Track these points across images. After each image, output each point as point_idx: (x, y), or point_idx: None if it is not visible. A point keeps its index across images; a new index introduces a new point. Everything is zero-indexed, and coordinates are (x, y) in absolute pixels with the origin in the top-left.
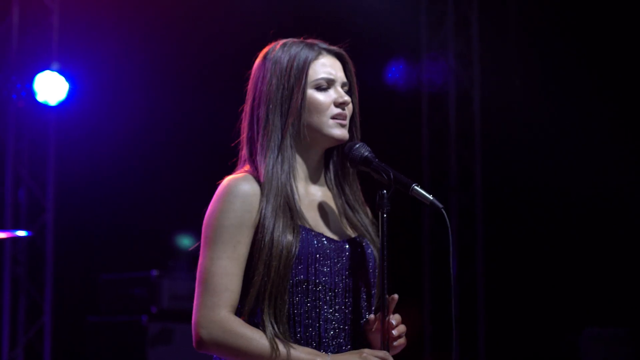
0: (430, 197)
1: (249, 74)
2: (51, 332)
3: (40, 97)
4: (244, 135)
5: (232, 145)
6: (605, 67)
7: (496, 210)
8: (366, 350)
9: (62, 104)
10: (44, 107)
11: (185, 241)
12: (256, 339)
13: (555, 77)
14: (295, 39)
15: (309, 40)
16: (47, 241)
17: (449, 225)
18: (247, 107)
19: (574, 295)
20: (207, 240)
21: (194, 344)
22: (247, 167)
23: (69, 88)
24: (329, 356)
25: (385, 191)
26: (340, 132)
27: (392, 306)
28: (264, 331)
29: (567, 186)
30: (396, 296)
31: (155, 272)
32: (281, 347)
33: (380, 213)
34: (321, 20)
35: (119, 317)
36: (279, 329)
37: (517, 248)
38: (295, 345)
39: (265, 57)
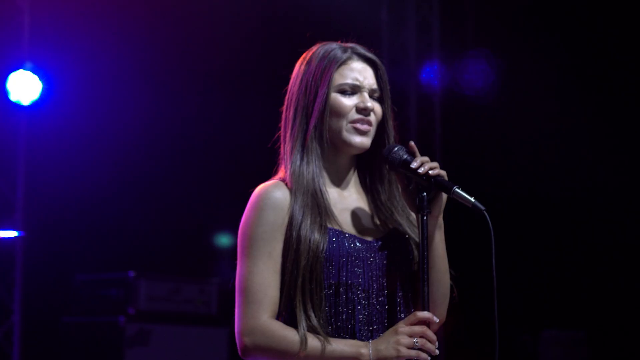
0: (472, 199)
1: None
2: (21, 333)
3: (13, 97)
4: (280, 134)
5: (270, 145)
6: (568, 67)
7: (455, 212)
8: (400, 324)
9: (34, 104)
10: (15, 106)
11: (223, 240)
12: (298, 339)
13: (516, 79)
14: (332, 42)
15: (345, 44)
16: (16, 241)
17: (491, 227)
18: (283, 108)
19: (533, 298)
20: (243, 250)
21: (239, 352)
22: (280, 173)
23: (42, 88)
24: (370, 343)
25: (425, 194)
26: (359, 139)
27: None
28: (298, 327)
29: (525, 189)
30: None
31: (132, 273)
32: (322, 343)
33: (420, 216)
34: (282, 20)
35: (95, 318)
36: (316, 320)
37: (477, 250)
38: (334, 339)
39: (302, 60)
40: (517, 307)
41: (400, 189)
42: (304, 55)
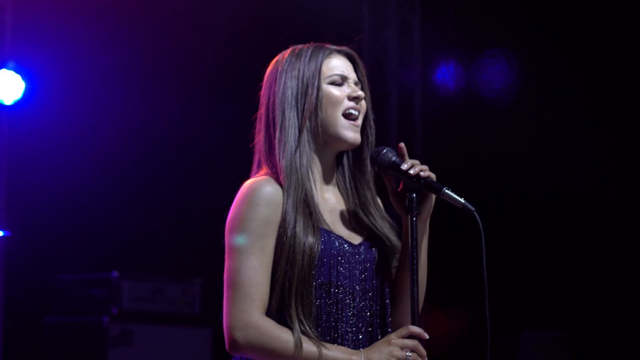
0: (462, 200)
1: (260, 85)
2: (3, 333)
3: None
4: (259, 137)
5: (250, 146)
6: (559, 66)
7: (435, 213)
8: (392, 336)
9: (16, 104)
10: None
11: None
12: (292, 340)
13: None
14: (303, 45)
15: (318, 43)
16: None
17: (481, 228)
18: (261, 111)
19: (513, 298)
20: (235, 243)
21: (227, 347)
22: (264, 171)
23: (25, 87)
24: (362, 352)
25: (414, 195)
26: (352, 135)
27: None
28: (292, 329)
29: (505, 189)
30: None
31: (115, 273)
32: (316, 348)
33: (410, 217)
34: (267, 21)
35: (78, 318)
36: (308, 325)
37: (458, 251)
38: (329, 345)
39: (276, 63)
40: (498, 308)
41: (389, 191)
42: (275, 59)
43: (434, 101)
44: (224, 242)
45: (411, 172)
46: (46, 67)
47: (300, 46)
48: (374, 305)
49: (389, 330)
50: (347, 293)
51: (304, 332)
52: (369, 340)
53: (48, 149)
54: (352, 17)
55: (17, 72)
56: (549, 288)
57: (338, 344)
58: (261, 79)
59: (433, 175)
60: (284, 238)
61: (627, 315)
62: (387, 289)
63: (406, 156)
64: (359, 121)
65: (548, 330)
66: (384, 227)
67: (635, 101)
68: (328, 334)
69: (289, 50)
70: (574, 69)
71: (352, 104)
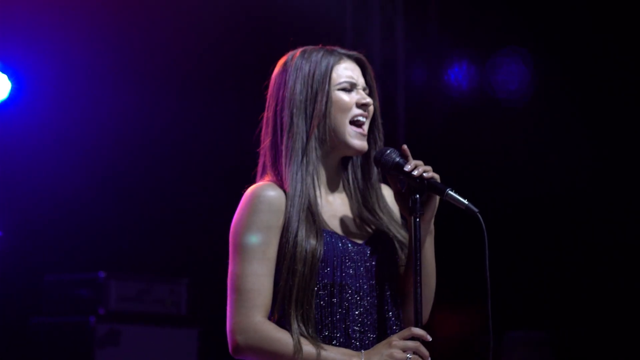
0: (466, 201)
1: (267, 83)
2: None
3: None
4: (266, 142)
5: (257, 150)
6: (548, 70)
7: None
8: (394, 337)
9: (3, 104)
10: None
11: None
12: (292, 343)
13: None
14: (313, 47)
15: (328, 47)
16: None
17: (484, 229)
18: (269, 114)
19: (496, 299)
20: (237, 247)
21: (230, 350)
22: (267, 177)
23: (12, 87)
24: (363, 353)
25: (418, 196)
26: (359, 143)
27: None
28: (291, 332)
29: (487, 189)
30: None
31: (102, 274)
32: (316, 350)
33: (413, 218)
34: (247, 21)
35: (65, 318)
36: (307, 331)
37: (440, 252)
38: (328, 346)
39: (285, 65)
40: (481, 309)
41: (393, 191)
42: (284, 60)
43: (417, 101)
44: (223, 245)
45: (414, 173)
46: (33, 67)
47: (309, 48)
48: (381, 302)
49: (399, 327)
50: (354, 292)
51: (302, 333)
52: (378, 338)
53: (35, 149)
54: (335, 17)
55: (3, 71)
56: (533, 288)
57: (345, 343)
58: (250, 80)
59: (437, 176)
60: (287, 246)
61: (611, 316)
62: (395, 286)
63: (410, 157)
64: (366, 127)
65: (532, 331)
66: (391, 224)
67: (635, 101)
68: (334, 334)
69: (298, 52)
70: (573, 69)
71: (360, 110)
